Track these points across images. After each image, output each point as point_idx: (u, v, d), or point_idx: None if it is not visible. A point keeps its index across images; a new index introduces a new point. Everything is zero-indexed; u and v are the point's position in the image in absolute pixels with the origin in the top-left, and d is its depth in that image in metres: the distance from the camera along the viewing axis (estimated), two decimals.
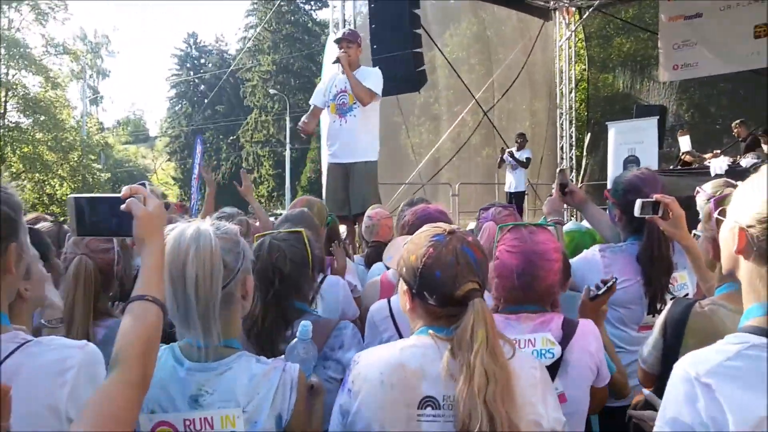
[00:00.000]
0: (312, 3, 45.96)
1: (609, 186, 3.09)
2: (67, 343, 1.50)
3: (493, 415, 1.45)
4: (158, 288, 1.52)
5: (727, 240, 1.39)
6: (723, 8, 12.74)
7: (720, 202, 2.04)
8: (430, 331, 1.64)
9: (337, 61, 5.91)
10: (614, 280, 2.49)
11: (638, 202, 2.60)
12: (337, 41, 6.06)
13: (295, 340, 1.88)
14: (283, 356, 1.85)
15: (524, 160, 12.44)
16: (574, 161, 15.78)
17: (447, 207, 11.66)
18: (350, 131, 6.04)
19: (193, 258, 1.60)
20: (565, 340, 2.05)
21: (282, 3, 42.27)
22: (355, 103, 5.99)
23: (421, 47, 9.89)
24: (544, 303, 2.14)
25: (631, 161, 11.07)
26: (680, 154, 11.65)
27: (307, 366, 1.86)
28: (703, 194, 2.40)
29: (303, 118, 6.28)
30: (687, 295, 2.86)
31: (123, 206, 1.55)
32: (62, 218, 6.81)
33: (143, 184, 2.94)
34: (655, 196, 2.59)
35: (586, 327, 2.12)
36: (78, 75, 34.87)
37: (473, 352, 1.51)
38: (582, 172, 15.72)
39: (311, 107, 6.34)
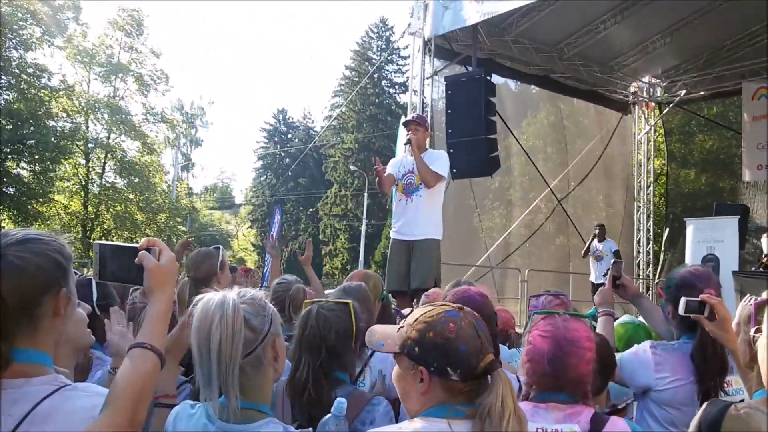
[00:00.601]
0: (396, 87, 47.48)
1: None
2: (103, 391, 1.54)
3: None
4: (159, 337, 1.57)
5: (764, 356, 1.39)
6: None
7: (761, 306, 2.01)
8: (450, 414, 1.61)
9: (408, 142, 6.12)
10: (631, 398, 2.48)
11: (683, 301, 2.58)
12: (405, 124, 6.34)
13: (329, 415, 1.93)
14: (310, 429, 1.90)
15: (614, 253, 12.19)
16: (651, 256, 15.38)
17: (515, 293, 11.55)
18: (415, 210, 6.22)
19: (218, 324, 1.68)
20: None
21: (368, 86, 43.87)
22: (420, 184, 6.17)
23: (495, 133, 10.07)
24: (575, 392, 2.12)
25: (710, 260, 10.71)
26: (762, 256, 11.22)
27: None
28: (749, 296, 2.36)
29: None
30: (743, 400, 2.77)
31: (136, 259, 1.65)
32: None
33: (217, 248, 3.13)
34: (702, 297, 2.57)
35: (615, 423, 2.09)
36: (173, 143, 37.02)
37: (505, 419, 1.52)
38: (660, 268, 15.27)
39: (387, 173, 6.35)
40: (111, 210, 28.59)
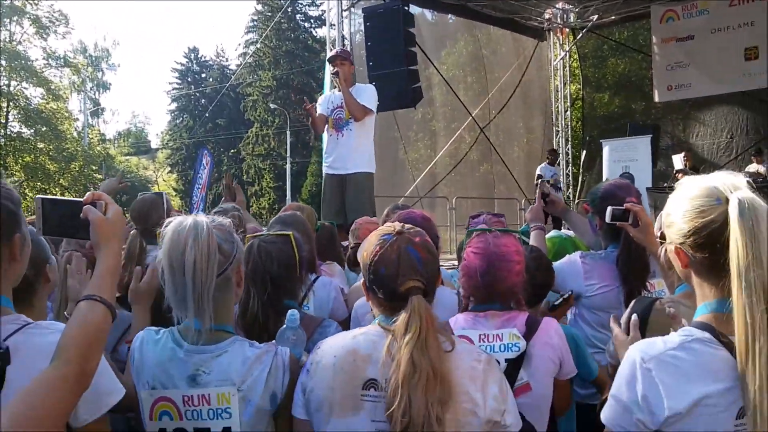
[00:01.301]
0: (311, 21, 46.34)
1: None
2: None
3: (412, 400, 1.57)
4: (110, 290, 1.57)
5: (673, 260, 1.55)
6: (714, 31, 12.97)
7: None
8: (377, 322, 1.79)
9: (336, 74, 6.10)
10: (570, 293, 2.72)
11: (609, 210, 2.74)
12: (331, 59, 6.32)
13: (284, 326, 2.02)
14: (274, 341, 1.98)
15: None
16: (570, 178, 15.97)
17: (444, 220, 11.83)
18: (346, 145, 6.27)
19: (192, 245, 1.74)
20: (528, 334, 2.23)
21: (282, 20, 42.64)
22: (350, 118, 6.20)
23: (416, 65, 10.10)
24: (508, 302, 2.31)
25: (626, 178, 11.22)
26: (674, 172, 11.86)
27: (298, 350, 2.00)
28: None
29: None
30: None
31: (82, 214, 1.64)
32: None
33: (160, 194, 3.11)
34: (626, 205, 2.74)
35: (548, 324, 2.31)
36: (79, 87, 35.16)
37: (404, 343, 1.63)
38: (578, 189, 15.90)
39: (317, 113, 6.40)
40: (20, 161, 27.17)
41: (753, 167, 11.80)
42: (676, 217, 1.48)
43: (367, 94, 6.22)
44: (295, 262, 2.40)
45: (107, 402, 1.60)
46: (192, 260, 1.72)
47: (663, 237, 1.59)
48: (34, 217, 1.79)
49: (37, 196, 1.73)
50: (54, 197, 1.74)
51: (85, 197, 1.67)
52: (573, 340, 2.57)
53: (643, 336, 2.04)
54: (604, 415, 1.49)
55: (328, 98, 6.53)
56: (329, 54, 6.46)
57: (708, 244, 1.42)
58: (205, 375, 1.79)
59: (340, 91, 6.24)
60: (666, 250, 1.57)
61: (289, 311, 2.03)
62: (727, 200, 1.38)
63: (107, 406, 1.60)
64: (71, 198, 1.72)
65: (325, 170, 6.52)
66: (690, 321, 1.53)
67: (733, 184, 1.41)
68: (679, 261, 1.51)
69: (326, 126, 6.42)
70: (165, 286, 1.80)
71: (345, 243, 4.67)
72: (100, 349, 1.51)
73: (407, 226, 1.86)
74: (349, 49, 10.90)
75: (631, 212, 2.72)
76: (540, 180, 3.26)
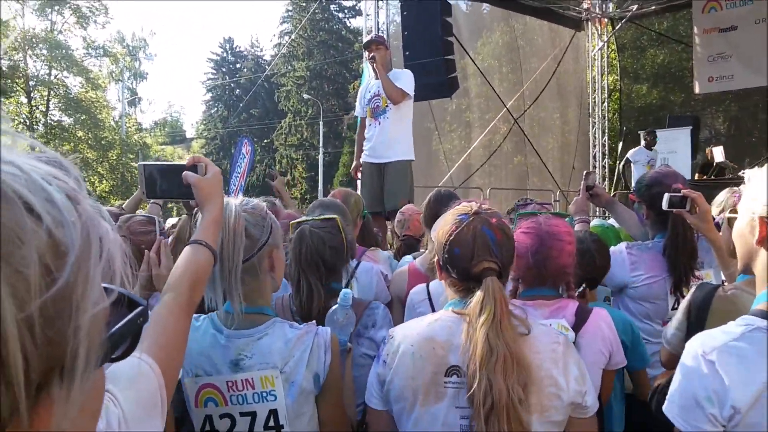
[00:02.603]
0: (346, 11, 46.35)
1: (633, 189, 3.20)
2: None
3: (493, 383, 1.56)
4: (213, 238, 1.68)
5: (745, 234, 1.49)
6: (758, 21, 12.62)
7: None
8: (450, 307, 1.78)
9: (373, 59, 6.06)
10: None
11: (666, 196, 2.69)
12: (366, 45, 6.28)
13: (336, 306, 2.03)
14: (314, 321, 1.99)
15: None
16: (606, 170, 15.75)
17: None
18: (384, 132, 6.22)
19: (220, 229, 1.78)
20: (578, 325, 2.18)
21: (317, 11, 42.71)
22: (388, 106, 6.16)
23: (452, 54, 10.01)
24: (558, 284, 2.26)
25: None
26: (714, 163, 11.61)
27: (346, 331, 2.01)
28: (726, 191, 2.50)
29: (356, 152, 6.58)
30: None
31: (184, 181, 1.75)
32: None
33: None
34: (683, 191, 2.69)
35: (598, 314, 2.25)
36: (117, 77, 35.67)
37: (479, 325, 1.63)
38: (615, 181, 15.70)
39: (357, 120, 6.60)
40: (60, 149, 27.67)
41: None
42: (766, 187, 1.42)
43: (404, 78, 6.15)
44: (344, 246, 2.41)
45: None
46: (219, 244, 1.75)
47: (735, 212, 1.55)
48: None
49: (140, 162, 1.86)
50: (157, 163, 1.86)
51: (187, 161, 1.77)
52: (631, 328, 2.54)
53: (704, 326, 2.02)
54: (671, 412, 1.46)
55: (365, 88, 6.51)
56: (365, 40, 6.43)
57: None
58: (247, 359, 1.81)
59: (377, 78, 6.20)
60: (739, 222, 1.52)
61: (343, 290, 2.04)
62: None
63: None
64: (173, 163, 1.83)
65: (363, 158, 6.48)
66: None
67: None
68: (756, 232, 1.44)
69: (366, 115, 6.40)
70: None
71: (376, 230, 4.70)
72: (203, 284, 1.64)
73: (484, 206, 1.85)
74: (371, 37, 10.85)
75: (689, 198, 2.67)
76: (586, 172, 3.20)
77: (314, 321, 1.99)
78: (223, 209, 1.76)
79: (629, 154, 11.97)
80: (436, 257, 1.85)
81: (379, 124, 6.25)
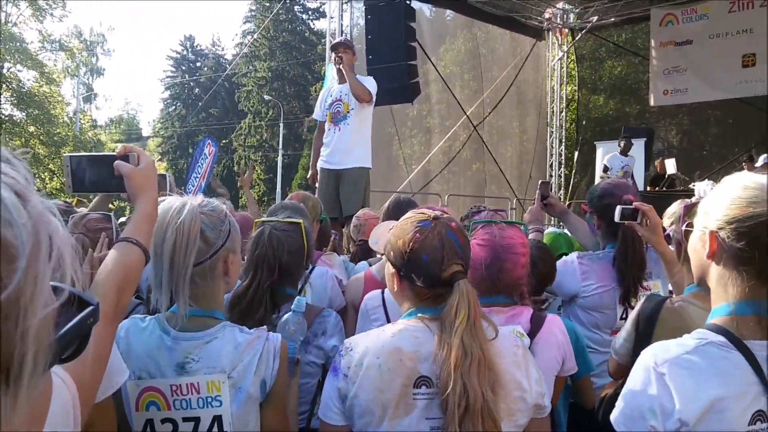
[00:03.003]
0: (310, 13, 46.21)
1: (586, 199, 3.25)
2: None
3: (467, 387, 1.55)
4: (146, 235, 1.58)
5: (697, 248, 1.50)
6: (712, 36, 12.98)
7: (690, 207, 2.19)
8: (419, 315, 1.74)
9: (340, 61, 6.06)
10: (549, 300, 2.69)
11: (618, 209, 2.72)
12: (333, 47, 6.32)
13: (289, 313, 1.98)
14: (265, 327, 1.94)
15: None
16: (562, 179, 15.99)
17: None
18: (343, 138, 6.20)
19: (174, 230, 1.72)
20: (533, 332, 2.19)
21: (280, 12, 42.47)
22: (348, 112, 6.16)
23: (415, 60, 10.06)
24: (512, 294, 2.26)
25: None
26: (667, 175, 11.89)
27: (295, 340, 1.97)
28: (677, 203, 2.55)
29: (312, 159, 6.50)
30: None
31: (115, 170, 1.64)
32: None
33: (163, 176, 3.07)
34: (635, 204, 2.72)
35: (553, 321, 2.27)
36: (73, 72, 34.90)
37: (454, 329, 1.61)
38: (570, 190, 15.94)
39: (317, 123, 6.55)
40: (9, 144, 26.90)
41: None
42: (721, 203, 1.43)
43: (369, 83, 6.18)
44: (304, 252, 2.37)
45: (117, 381, 1.57)
46: (171, 244, 1.71)
47: (690, 226, 1.56)
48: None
49: (65, 154, 1.72)
50: (83, 154, 1.73)
51: (118, 150, 1.66)
52: (574, 334, 2.56)
53: (651, 337, 2.03)
54: (616, 421, 1.46)
55: (326, 92, 6.49)
56: (333, 42, 6.44)
57: (749, 234, 1.37)
58: (194, 362, 1.76)
59: (340, 82, 6.20)
60: (693, 235, 1.53)
61: (297, 298, 2.01)
62: None
63: (117, 384, 1.57)
64: (102, 153, 1.72)
65: (320, 164, 6.44)
66: (700, 322, 1.50)
67: None
68: (708, 247, 1.45)
69: (325, 119, 6.37)
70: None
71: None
72: (133, 286, 1.54)
73: (439, 212, 1.83)
74: (340, 40, 10.89)
75: (640, 211, 2.70)
76: (541, 182, 3.23)
77: (264, 327, 1.95)
78: (156, 203, 1.68)
79: (605, 160, 11.88)
80: (392, 268, 1.81)
81: (339, 129, 6.22)
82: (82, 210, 3.03)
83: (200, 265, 1.77)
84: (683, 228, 1.74)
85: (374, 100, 6.17)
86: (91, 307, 0.74)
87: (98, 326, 1.35)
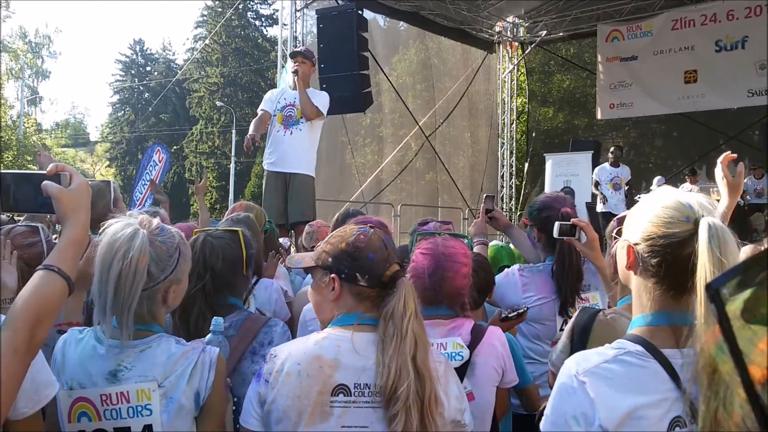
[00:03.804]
0: (263, 19, 45.92)
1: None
2: None
3: (421, 373, 1.63)
4: (70, 262, 1.51)
5: (621, 256, 1.57)
6: (656, 53, 13.38)
7: (621, 221, 2.25)
8: (357, 321, 1.77)
9: (296, 72, 6.07)
10: (525, 309, 2.77)
11: (556, 225, 2.78)
12: (293, 55, 6.31)
13: (209, 334, 1.97)
14: (203, 339, 1.94)
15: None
16: (513, 190, 16.22)
17: (389, 227, 11.84)
18: (293, 143, 6.20)
19: (121, 258, 1.68)
20: (473, 344, 2.25)
21: (233, 17, 42.11)
22: (301, 118, 6.15)
23: (367, 69, 10.10)
24: (454, 305, 2.32)
25: (566, 192, 11.48)
26: None
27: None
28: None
29: (250, 131, 6.18)
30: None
31: (43, 191, 1.56)
32: None
33: (107, 182, 3.01)
34: (573, 220, 2.79)
35: (492, 332, 2.33)
36: (17, 74, 33.95)
37: (406, 318, 1.68)
38: (521, 201, 16.18)
39: (260, 113, 6.38)
40: None
41: (687, 186, 12.22)
42: (642, 218, 1.50)
43: (320, 98, 6.20)
44: (242, 260, 2.35)
45: (46, 394, 1.54)
46: (116, 273, 1.67)
47: (619, 234, 1.62)
48: None
49: None
50: (14, 171, 1.66)
51: (48, 169, 1.57)
52: (510, 346, 2.60)
53: (585, 347, 2.08)
54: (543, 426, 1.50)
55: (279, 93, 6.46)
56: (293, 49, 6.41)
57: (662, 253, 1.44)
58: (126, 370, 1.74)
59: (294, 89, 6.18)
60: (617, 246, 1.59)
61: (215, 318, 1.99)
62: (695, 222, 1.40)
63: (46, 398, 1.54)
64: (32, 171, 1.64)
65: (267, 167, 6.39)
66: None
67: (706, 208, 1.44)
68: (626, 258, 1.52)
69: (274, 119, 6.30)
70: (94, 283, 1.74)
71: (283, 240, 4.69)
72: (51, 320, 1.45)
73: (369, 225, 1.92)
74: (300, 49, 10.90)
75: (577, 227, 2.76)
76: (486, 195, 3.27)
77: (203, 339, 1.93)
78: (86, 228, 1.61)
79: (594, 174, 11.43)
80: (324, 278, 1.83)
81: (291, 133, 6.21)
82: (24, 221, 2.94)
83: (144, 292, 1.74)
84: (613, 235, 1.82)
85: (325, 115, 6.21)
86: None
87: (8, 359, 1.31)
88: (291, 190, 6.20)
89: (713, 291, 0.75)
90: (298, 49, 6.39)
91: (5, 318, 1.39)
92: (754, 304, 0.69)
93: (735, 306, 0.71)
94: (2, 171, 1.63)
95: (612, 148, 11.51)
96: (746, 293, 0.72)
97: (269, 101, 6.40)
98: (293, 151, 6.21)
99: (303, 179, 6.24)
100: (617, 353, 1.44)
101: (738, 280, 0.75)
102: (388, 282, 1.76)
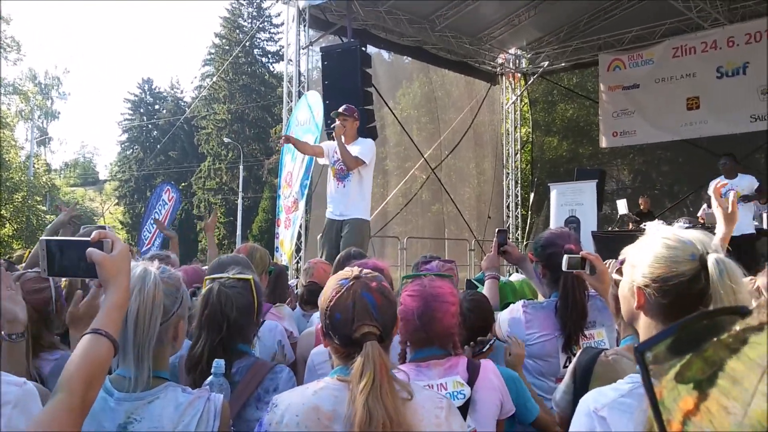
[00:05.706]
0: (269, 56, 46.55)
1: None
2: (9, 379, 1.57)
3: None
4: (114, 325, 1.59)
5: (627, 297, 1.60)
6: (658, 80, 13.46)
7: (624, 263, 2.26)
8: (336, 375, 1.78)
9: (343, 129, 6.55)
10: (493, 340, 2.80)
11: (565, 258, 2.75)
12: (335, 114, 6.72)
13: (211, 376, 2.01)
14: (207, 387, 1.97)
15: (754, 193, 8.91)
16: (519, 220, 16.23)
17: (395, 260, 11.86)
18: (345, 194, 6.80)
19: (137, 295, 1.74)
20: (471, 380, 2.26)
21: (239, 55, 42.71)
22: (350, 172, 6.73)
23: (372, 104, 10.21)
24: (446, 345, 2.34)
25: (571, 221, 11.50)
26: (619, 216, 12.18)
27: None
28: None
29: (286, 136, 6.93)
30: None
31: (87, 257, 1.65)
32: (6, 256, 6.75)
33: (103, 228, 3.05)
34: (581, 254, 2.77)
35: (486, 366, 2.36)
36: (26, 116, 34.42)
37: (359, 390, 1.64)
38: (527, 231, 16.16)
39: (320, 144, 7.14)
40: None
41: (682, 221, 12.16)
42: (646, 259, 1.52)
43: (361, 147, 6.69)
44: (254, 308, 2.39)
45: None
46: (135, 311, 1.73)
47: (620, 273, 1.64)
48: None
49: (42, 237, 1.75)
50: (59, 238, 1.76)
51: (92, 236, 1.66)
52: (512, 381, 2.59)
53: (588, 388, 2.09)
54: None
55: (332, 147, 6.93)
56: (336, 111, 6.75)
57: (672, 292, 1.47)
58: (136, 422, 1.76)
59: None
60: (622, 286, 1.61)
61: (216, 360, 2.02)
62: (700, 258, 1.44)
63: None
64: (76, 238, 1.73)
65: (327, 215, 7.02)
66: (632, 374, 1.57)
67: (708, 244, 1.48)
68: (635, 300, 1.54)
69: (329, 172, 6.96)
70: None
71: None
72: (101, 381, 1.55)
73: (365, 270, 1.87)
74: (306, 86, 11.11)
75: (587, 260, 2.75)
76: (498, 230, 3.27)
77: (207, 387, 1.95)
78: (128, 291, 1.67)
79: (711, 186, 10.37)
80: (320, 324, 1.86)
81: (344, 186, 6.80)
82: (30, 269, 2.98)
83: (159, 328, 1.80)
84: (613, 276, 1.84)
85: (367, 162, 6.68)
86: None
87: (64, 419, 1.38)
88: (344, 231, 6.74)
89: (638, 354, 0.81)
90: (340, 109, 6.76)
91: (59, 380, 1.47)
92: (685, 368, 0.75)
93: (673, 369, 0.77)
94: (48, 238, 1.73)
95: (728, 159, 9.31)
96: (685, 358, 0.77)
97: (326, 155, 6.95)
98: (345, 200, 6.79)
99: (354, 222, 6.73)
100: (632, 387, 1.47)
101: (667, 343, 0.80)
102: (358, 343, 1.73)
